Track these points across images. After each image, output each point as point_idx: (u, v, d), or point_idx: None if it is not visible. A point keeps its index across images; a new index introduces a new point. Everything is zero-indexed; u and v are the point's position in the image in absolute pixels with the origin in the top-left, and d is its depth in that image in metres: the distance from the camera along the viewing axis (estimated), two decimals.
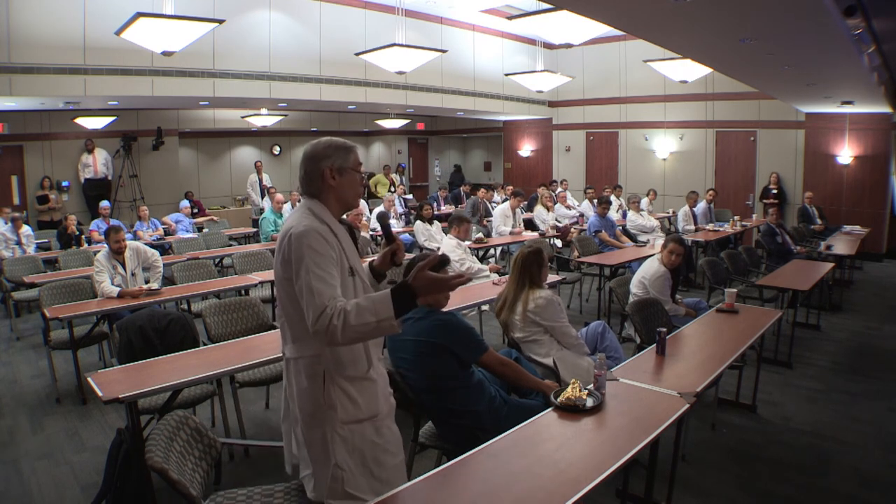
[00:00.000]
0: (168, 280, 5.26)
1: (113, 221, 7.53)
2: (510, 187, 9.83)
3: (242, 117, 11.51)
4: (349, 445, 1.77)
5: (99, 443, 3.47)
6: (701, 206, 8.69)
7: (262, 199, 10.76)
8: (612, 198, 9.38)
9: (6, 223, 7.23)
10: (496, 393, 2.57)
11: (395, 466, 1.87)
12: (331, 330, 1.57)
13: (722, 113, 10.64)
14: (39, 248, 7.57)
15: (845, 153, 9.58)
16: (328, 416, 1.76)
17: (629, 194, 8.75)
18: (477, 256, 6.47)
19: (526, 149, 13.63)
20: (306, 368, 1.78)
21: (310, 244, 1.68)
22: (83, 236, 7.67)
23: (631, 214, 8.30)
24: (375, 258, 2.00)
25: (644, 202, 9.01)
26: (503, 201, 9.17)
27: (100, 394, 2.46)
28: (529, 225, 8.35)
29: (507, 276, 3.98)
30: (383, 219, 2.07)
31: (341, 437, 1.76)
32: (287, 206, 8.23)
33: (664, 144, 11.37)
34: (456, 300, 4.14)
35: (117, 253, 4.66)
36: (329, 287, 1.64)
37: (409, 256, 2.99)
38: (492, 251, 7.41)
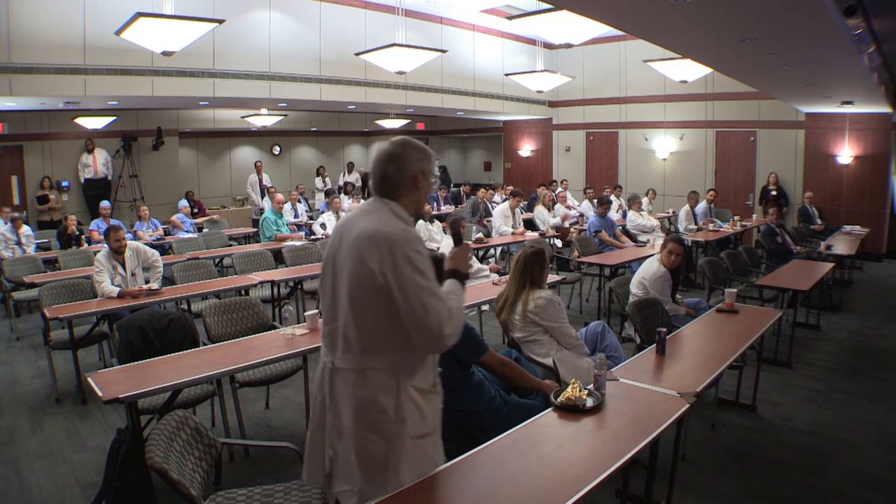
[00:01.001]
0: (168, 280, 5.26)
1: (113, 221, 7.53)
2: (510, 187, 9.84)
3: (242, 117, 11.51)
4: (412, 461, 1.71)
5: (99, 443, 3.47)
6: (701, 206, 8.68)
7: (262, 199, 10.76)
8: (612, 198, 9.38)
9: (6, 223, 7.23)
10: (496, 393, 2.57)
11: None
12: (451, 337, 1.64)
13: (722, 113, 10.64)
14: (39, 248, 7.57)
15: (845, 153, 9.57)
16: (396, 430, 1.68)
17: (630, 194, 8.73)
18: (477, 256, 6.47)
19: (526, 149, 13.64)
20: (377, 381, 1.69)
21: (415, 250, 1.63)
22: (83, 236, 7.66)
23: (631, 214, 8.29)
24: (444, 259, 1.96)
25: (644, 202, 8.99)
26: (503, 201, 9.17)
27: (100, 394, 2.46)
28: (529, 225, 8.35)
29: (507, 276, 3.98)
30: (455, 225, 2.08)
31: (408, 454, 1.69)
32: (287, 206, 8.23)
33: (664, 144, 11.37)
34: None
35: (117, 252, 4.66)
36: (442, 295, 1.67)
37: None
38: (492, 251, 7.42)
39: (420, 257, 1.63)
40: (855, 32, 4.49)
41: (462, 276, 1.86)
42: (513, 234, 7.65)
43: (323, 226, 7.98)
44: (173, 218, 8.62)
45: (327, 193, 9.55)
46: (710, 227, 8.31)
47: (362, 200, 8.58)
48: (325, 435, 1.79)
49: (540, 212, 8.46)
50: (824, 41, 4.59)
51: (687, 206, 8.56)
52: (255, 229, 9.14)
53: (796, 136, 10.00)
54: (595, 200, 8.29)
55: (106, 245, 4.73)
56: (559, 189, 10.20)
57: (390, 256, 1.60)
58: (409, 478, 1.70)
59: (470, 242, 6.30)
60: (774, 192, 9.91)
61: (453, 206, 10.96)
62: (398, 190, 1.75)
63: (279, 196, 8.08)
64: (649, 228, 8.14)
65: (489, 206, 9.55)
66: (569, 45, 6.56)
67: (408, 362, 1.71)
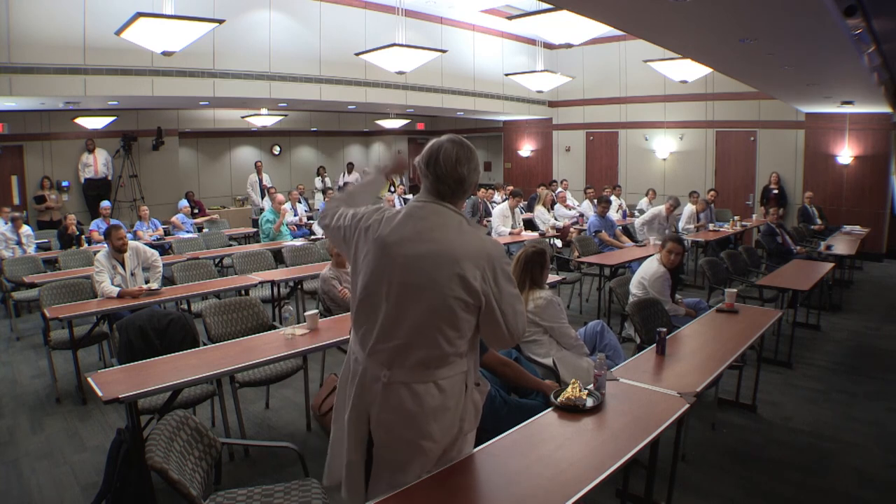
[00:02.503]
0: (168, 280, 5.26)
1: (113, 221, 7.53)
2: (510, 187, 9.84)
3: (242, 117, 11.51)
4: (461, 454, 1.82)
5: (99, 443, 3.47)
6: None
7: (262, 199, 10.77)
8: (612, 198, 9.38)
9: (6, 223, 7.22)
10: (496, 393, 2.57)
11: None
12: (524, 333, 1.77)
13: (722, 113, 10.64)
14: (39, 248, 7.57)
15: (845, 153, 9.58)
16: (457, 431, 1.76)
17: (626, 193, 8.72)
18: None
19: (526, 149, 13.64)
20: (448, 389, 1.70)
21: (507, 263, 1.74)
22: (83, 236, 7.67)
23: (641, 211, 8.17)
24: None
25: (643, 202, 9.00)
26: (503, 201, 9.17)
27: (100, 394, 2.46)
28: (529, 225, 8.35)
29: None
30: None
31: (458, 449, 1.80)
32: (287, 206, 8.22)
33: (664, 144, 11.37)
34: None
35: (119, 251, 4.66)
36: (521, 298, 1.79)
37: None
38: None
39: (510, 268, 1.76)
40: (855, 32, 4.49)
41: None
42: (511, 234, 7.66)
43: None
44: (174, 219, 8.63)
45: (325, 192, 9.56)
46: (711, 226, 8.31)
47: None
48: (379, 450, 1.75)
49: (540, 212, 8.45)
50: (824, 41, 4.59)
51: (690, 206, 8.53)
52: (255, 229, 9.14)
53: (796, 136, 10.00)
54: (595, 200, 8.29)
55: (106, 245, 4.73)
56: (559, 189, 10.20)
57: (492, 274, 1.65)
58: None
59: None
60: (776, 191, 9.91)
61: None
62: (458, 195, 1.71)
63: (279, 196, 8.09)
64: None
65: (489, 206, 9.54)
66: (569, 45, 6.56)
67: (474, 364, 1.79)
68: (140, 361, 2.96)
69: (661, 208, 7.35)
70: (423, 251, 1.63)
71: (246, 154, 13.22)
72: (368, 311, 1.72)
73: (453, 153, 1.67)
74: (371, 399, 1.73)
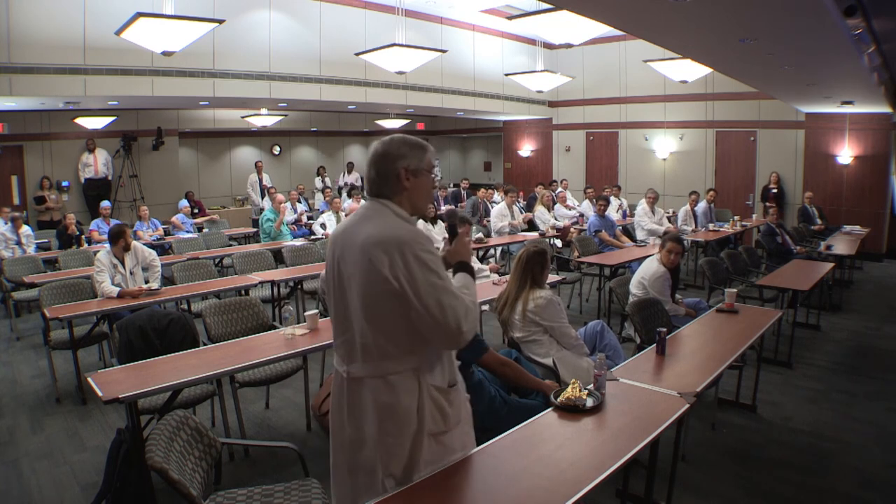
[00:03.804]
0: (168, 280, 5.26)
1: (113, 221, 7.53)
2: (502, 186, 9.87)
3: (242, 117, 11.51)
4: (432, 455, 1.73)
5: (99, 443, 3.47)
6: (701, 205, 8.67)
7: (262, 199, 10.77)
8: (612, 198, 9.37)
9: (6, 223, 7.23)
10: (496, 393, 2.57)
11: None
12: (469, 333, 1.64)
13: (722, 113, 10.64)
14: (39, 248, 7.57)
15: (845, 153, 9.57)
16: (416, 431, 1.69)
17: (626, 193, 8.72)
18: (477, 256, 6.47)
19: (526, 149, 13.64)
20: (399, 385, 1.68)
21: (425, 250, 1.60)
22: (83, 236, 7.67)
23: (639, 216, 8.12)
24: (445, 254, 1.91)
25: (643, 202, 8.92)
26: (503, 201, 9.18)
27: (100, 394, 2.46)
28: (529, 225, 8.35)
29: (507, 276, 3.98)
30: (452, 217, 2.06)
31: (429, 452, 1.71)
32: (287, 206, 8.23)
33: (664, 144, 11.37)
34: None
35: (125, 250, 4.67)
36: (456, 291, 1.65)
37: None
38: (492, 251, 7.42)
39: (431, 256, 1.61)
40: (855, 32, 4.49)
41: (470, 268, 1.85)
42: (511, 224, 7.79)
43: (323, 226, 7.97)
44: (174, 219, 8.63)
45: (325, 192, 9.55)
46: (711, 226, 8.30)
47: (363, 200, 8.60)
48: (348, 449, 1.76)
49: (540, 212, 8.45)
50: (824, 41, 4.59)
51: (687, 206, 8.54)
52: (255, 229, 9.14)
53: (796, 136, 10.00)
54: (595, 200, 8.28)
55: (107, 244, 4.74)
56: (559, 189, 10.19)
57: (401, 260, 1.58)
58: (426, 470, 1.73)
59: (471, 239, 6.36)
60: (775, 191, 9.91)
61: (453, 206, 10.96)
62: (387, 189, 1.71)
63: (279, 196, 8.09)
64: (661, 234, 8.06)
65: (489, 205, 9.55)
66: (569, 45, 6.56)
67: (428, 363, 1.71)
68: (140, 361, 2.96)
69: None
70: (350, 243, 1.68)
71: (246, 154, 13.22)
72: (329, 308, 1.82)
73: (371, 152, 1.75)
74: (340, 397, 1.76)
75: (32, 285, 5.40)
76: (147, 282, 4.76)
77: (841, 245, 6.96)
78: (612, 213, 8.80)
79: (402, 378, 1.68)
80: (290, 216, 8.40)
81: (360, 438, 1.71)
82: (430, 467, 1.73)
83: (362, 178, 12.67)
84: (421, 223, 7.22)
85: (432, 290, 1.58)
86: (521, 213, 8.43)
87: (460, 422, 1.81)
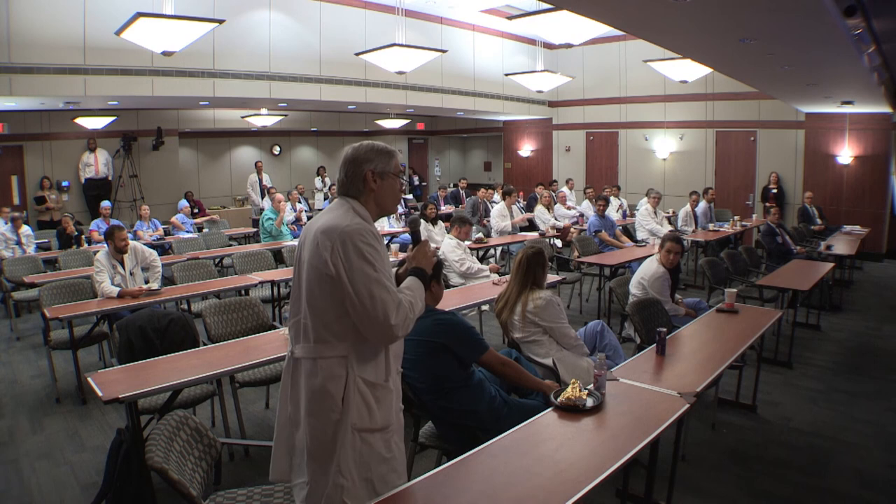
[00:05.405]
0: (168, 280, 5.26)
1: (113, 221, 7.53)
2: (501, 187, 9.86)
3: (242, 117, 11.51)
4: (357, 455, 1.72)
5: (99, 443, 3.47)
6: (701, 206, 8.67)
7: (262, 199, 10.77)
8: (612, 198, 9.36)
9: (6, 223, 7.23)
10: (496, 393, 2.57)
11: (398, 488, 1.77)
12: (398, 328, 1.68)
13: (722, 113, 10.64)
14: (39, 248, 7.57)
15: (845, 153, 9.57)
16: (341, 421, 1.71)
17: (626, 193, 8.72)
18: (477, 256, 6.47)
19: (526, 149, 13.64)
20: (327, 369, 1.72)
21: (365, 242, 1.68)
22: (83, 236, 7.67)
23: (642, 216, 8.10)
24: (406, 258, 1.99)
25: (647, 203, 8.91)
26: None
27: (100, 394, 2.46)
28: (530, 225, 8.35)
29: (507, 277, 3.98)
30: (414, 224, 2.07)
31: (351, 445, 1.71)
32: (287, 206, 8.22)
33: (664, 144, 11.37)
34: (456, 300, 4.14)
35: (121, 252, 4.67)
36: (391, 287, 1.71)
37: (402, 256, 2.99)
38: (492, 251, 7.42)
39: (370, 249, 1.69)
40: (855, 32, 4.49)
41: (425, 274, 1.90)
42: (512, 223, 7.82)
43: None
44: (174, 219, 8.63)
45: (331, 189, 9.55)
46: (711, 227, 8.30)
47: None
48: (287, 427, 1.83)
49: (540, 212, 8.45)
50: (824, 41, 4.59)
51: (687, 206, 8.54)
52: (255, 229, 9.14)
53: (796, 136, 10.00)
54: (595, 200, 8.29)
55: (106, 244, 4.73)
56: (561, 188, 10.20)
57: (341, 247, 1.67)
58: (349, 469, 1.70)
59: (471, 241, 6.35)
60: (775, 191, 9.91)
61: (453, 206, 10.96)
62: (353, 189, 1.83)
63: (279, 196, 8.08)
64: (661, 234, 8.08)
65: (489, 205, 9.55)
66: (569, 45, 6.57)
67: (359, 354, 1.75)
68: (140, 361, 2.96)
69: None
70: (309, 230, 1.80)
71: (246, 154, 13.22)
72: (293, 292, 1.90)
73: (346, 156, 1.86)
74: (287, 375, 1.84)
75: (32, 285, 5.40)
76: (147, 282, 4.76)
77: (841, 245, 6.96)
78: (612, 213, 8.80)
79: (331, 364, 1.73)
80: (289, 215, 8.40)
81: (297, 419, 1.79)
82: (354, 466, 1.71)
83: None
84: (423, 223, 7.24)
85: (365, 279, 1.66)
86: (521, 212, 8.43)
87: (389, 427, 1.79)
